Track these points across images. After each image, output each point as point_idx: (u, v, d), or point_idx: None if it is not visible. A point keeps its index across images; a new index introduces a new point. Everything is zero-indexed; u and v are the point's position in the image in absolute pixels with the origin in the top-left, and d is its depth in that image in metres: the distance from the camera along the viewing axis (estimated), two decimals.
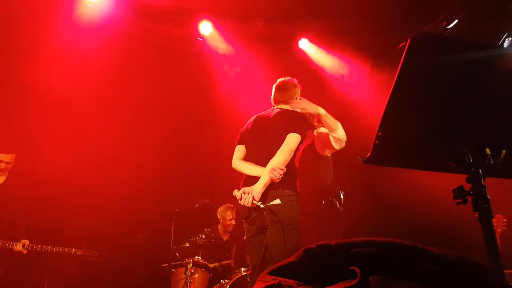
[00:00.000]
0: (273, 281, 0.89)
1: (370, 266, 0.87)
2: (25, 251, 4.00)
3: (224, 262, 4.73)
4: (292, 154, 2.87)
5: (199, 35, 5.35)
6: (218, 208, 5.29)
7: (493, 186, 1.23)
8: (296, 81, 3.33)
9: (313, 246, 0.98)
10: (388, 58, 4.97)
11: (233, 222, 5.13)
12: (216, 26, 5.28)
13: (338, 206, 3.29)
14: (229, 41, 5.52)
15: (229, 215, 5.14)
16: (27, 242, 4.02)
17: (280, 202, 2.80)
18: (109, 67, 4.94)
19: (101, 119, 5.09)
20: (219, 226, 5.23)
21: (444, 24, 4.15)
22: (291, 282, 0.89)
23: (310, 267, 0.94)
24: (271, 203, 2.80)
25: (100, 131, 5.04)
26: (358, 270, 0.86)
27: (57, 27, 4.62)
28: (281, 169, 2.77)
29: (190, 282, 4.28)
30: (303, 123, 3.04)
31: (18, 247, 3.98)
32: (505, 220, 3.40)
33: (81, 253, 4.23)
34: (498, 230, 3.35)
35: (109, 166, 4.97)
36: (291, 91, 3.22)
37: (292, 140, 2.88)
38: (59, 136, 4.77)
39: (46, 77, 4.59)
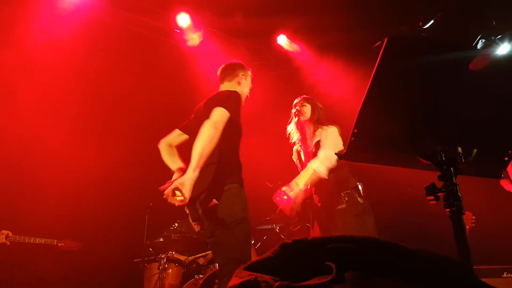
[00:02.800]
0: (249, 277, 0.89)
1: (346, 262, 0.88)
2: (8, 243, 3.77)
3: (201, 254, 4.72)
4: (216, 134, 2.46)
5: (177, 26, 5.28)
6: None
7: (462, 184, 1.26)
8: (249, 69, 3.09)
9: (290, 241, 0.99)
10: (365, 56, 5.04)
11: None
12: (194, 18, 5.22)
13: (358, 198, 3.19)
14: (207, 34, 5.47)
15: None
16: (10, 233, 3.80)
17: (217, 202, 2.58)
18: (85, 57, 4.83)
19: (75, 110, 4.97)
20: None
21: (420, 24, 4.24)
22: (267, 277, 0.89)
23: (286, 263, 0.94)
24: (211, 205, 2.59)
25: (74, 123, 4.92)
26: (333, 266, 0.87)
27: (34, 15, 4.49)
28: (194, 172, 2.37)
29: (164, 277, 4.25)
30: (234, 100, 2.69)
31: (2, 238, 3.73)
32: (473, 217, 3.52)
33: (63, 244, 4.13)
34: (467, 227, 3.45)
35: (81, 157, 4.86)
36: (234, 70, 2.98)
37: (215, 115, 2.49)
38: (36, 125, 4.64)
39: (23, 66, 4.46)
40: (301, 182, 3.14)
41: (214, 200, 2.56)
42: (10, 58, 4.42)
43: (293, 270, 0.94)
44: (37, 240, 3.94)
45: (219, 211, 2.56)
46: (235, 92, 2.79)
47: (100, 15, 4.91)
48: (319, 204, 3.36)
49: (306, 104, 3.48)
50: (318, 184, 3.29)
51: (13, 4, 4.40)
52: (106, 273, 5.05)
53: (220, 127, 2.49)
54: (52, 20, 4.60)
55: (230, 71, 2.98)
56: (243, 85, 2.96)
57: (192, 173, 2.37)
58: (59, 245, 4.11)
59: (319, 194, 3.36)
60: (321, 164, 3.16)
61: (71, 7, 4.64)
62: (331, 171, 3.21)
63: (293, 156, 3.65)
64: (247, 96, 3.05)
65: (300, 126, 3.49)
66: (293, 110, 3.52)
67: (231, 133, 2.62)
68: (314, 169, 3.15)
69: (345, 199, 3.19)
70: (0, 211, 3.98)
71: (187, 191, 2.32)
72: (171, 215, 5.33)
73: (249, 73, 3.05)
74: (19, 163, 4.45)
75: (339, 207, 3.20)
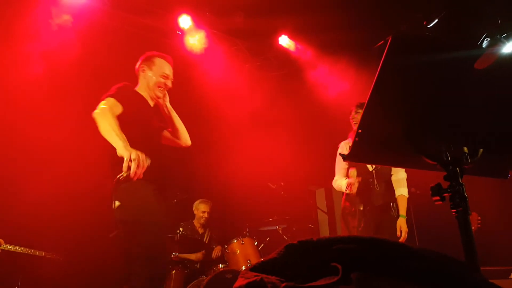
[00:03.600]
0: (255, 278, 0.88)
1: (351, 263, 0.87)
2: (0, 251, 3.88)
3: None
4: (102, 115, 2.49)
5: (178, 28, 5.28)
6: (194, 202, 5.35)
7: (468, 184, 1.25)
8: (154, 56, 3.02)
9: (295, 242, 0.98)
10: (368, 55, 5.03)
11: (206, 215, 5.17)
12: (195, 20, 5.22)
13: (393, 211, 3.54)
14: (208, 36, 5.46)
15: (201, 207, 5.20)
16: (2, 241, 3.90)
17: (120, 203, 2.41)
18: (85, 56, 4.82)
19: (74, 111, 4.96)
20: (195, 221, 5.24)
21: (424, 23, 4.24)
22: (273, 278, 0.88)
23: (292, 264, 0.93)
24: (116, 207, 2.41)
25: (73, 124, 4.91)
26: (339, 267, 0.86)
27: (33, 15, 4.50)
28: (117, 144, 2.33)
29: (167, 278, 4.24)
30: (119, 90, 2.71)
31: None
32: (479, 218, 3.50)
33: (50, 256, 4.28)
34: (473, 228, 3.42)
35: (81, 158, 4.84)
36: (139, 63, 2.98)
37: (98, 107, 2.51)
38: (32, 126, 4.63)
39: (19, 68, 4.46)
40: (403, 212, 3.48)
41: (116, 201, 2.38)
42: (7, 58, 4.42)
43: (298, 271, 0.93)
44: (27, 251, 4.08)
45: (122, 217, 2.44)
46: (124, 84, 2.85)
47: (101, 17, 4.91)
48: (362, 209, 3.55)
49: (359, 110, 3.63)
50: (364, 192, 3.51)
51: (14, 4, 4.41)
52: (108, 274, 5.04)
53: (103, 108, 2.55)
54: (52, 24, 4.61)
55: (137, 65, 3.02)
56: (147, 74, 2.95)
57: (116, 146, 2.33)
58: (47, 257, 4.26)
59: (365, 200, 3.54)
60: (404, 188, 3.53)
61: (71, 10, 4.65)
62: (384, 180, 3.52)
63: (340, 151, 3.76)
64: (165, 83, 2.96)
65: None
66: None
67: (127, 124, 2.55)
68: (405, 195, 3.52)
69: (393, 208, 3.50)
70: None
71: (125, 155, 2.25)
72: (175, 216, 5.33)
73: (155, 60, 2.98)
74: (16, 165, 4.43)
75: (387, 214, 3.49)
